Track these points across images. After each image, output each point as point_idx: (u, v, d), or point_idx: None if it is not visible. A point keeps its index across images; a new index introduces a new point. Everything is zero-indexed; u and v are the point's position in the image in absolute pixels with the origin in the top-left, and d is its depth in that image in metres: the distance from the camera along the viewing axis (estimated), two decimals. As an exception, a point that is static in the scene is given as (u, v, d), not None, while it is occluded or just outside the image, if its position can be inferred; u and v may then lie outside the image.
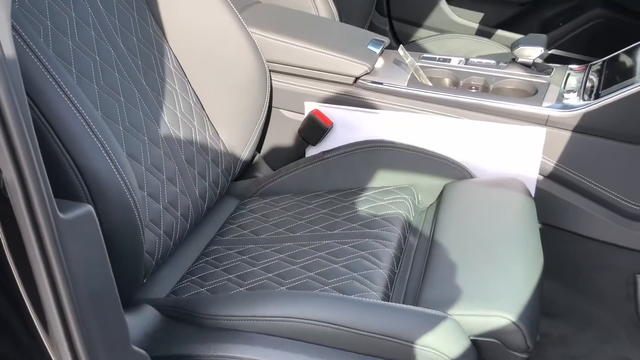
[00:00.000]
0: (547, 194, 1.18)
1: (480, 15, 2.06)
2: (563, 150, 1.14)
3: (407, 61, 1.24)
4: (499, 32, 2.03)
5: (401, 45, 1.25)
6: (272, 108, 1.30)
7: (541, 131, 1.13)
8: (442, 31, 2.07)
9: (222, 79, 1.15)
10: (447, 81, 1.29)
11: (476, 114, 1.17)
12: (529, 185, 1.15)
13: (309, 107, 1.27)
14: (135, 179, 0.82)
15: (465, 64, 1.31)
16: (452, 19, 2.07)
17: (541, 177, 1.18)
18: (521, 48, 1.24)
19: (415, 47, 1.91)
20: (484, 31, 2.04)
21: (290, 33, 1.26)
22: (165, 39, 1.10)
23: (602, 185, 1.13)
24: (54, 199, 0.58)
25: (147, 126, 0.98)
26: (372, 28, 2.02)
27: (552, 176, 1.17)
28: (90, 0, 0.95)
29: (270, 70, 1.25)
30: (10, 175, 0.55)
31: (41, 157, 0.57)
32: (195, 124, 1.10)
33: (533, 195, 1.15)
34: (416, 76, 1.24)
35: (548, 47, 1.98)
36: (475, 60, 1.32)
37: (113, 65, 0.95)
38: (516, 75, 1.25)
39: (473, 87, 1.24)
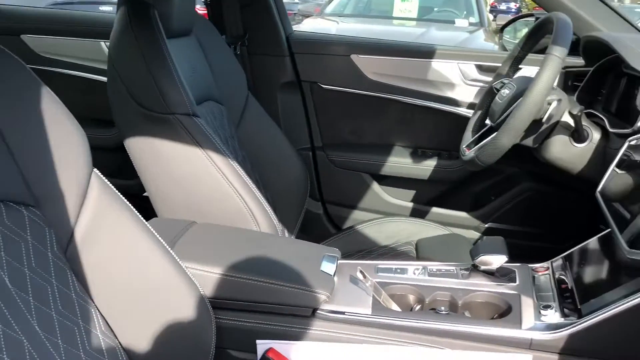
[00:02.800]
0: (542, 423, 1.05)
1: (412, 193, 2.05)
2: (553, 374, 1.03)
3: (367, 284, 1.12)
4: (434, 209, 2.02)
5: (359, 267, 1.14)
6: (218, 349, 1.12)
7: (527, 358, 1.02)
8: (377, 212, 2.03)
9: (159, 338, 0.97)
10: (411, 298, 1.18)
11: (453, 342, 1.05)
12: (520, 413, 1.02)
13: (262, 346, 1.10)
14: None
15: (423, 272, 1.22)
16: (385, 200, 2.05)
17: (532, 403, 1.05)
18: (482, 257, 1.17)
19: (354, 234, 1.83)
20: (419, 209, 2.03)
21: (233, 263, 1.12)
22: (91, 299, 0.93)
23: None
24: None
25: None
26: (307, 214, 1.95)
27: (544, 402, 1.05)
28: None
29: (214, 308, 1.09)
30: None
31: None
32: (131, 400, 0.90)
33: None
34: (378, 299, 1.12)
35: (484, 222, 1.99)
36: (434, 268, 1.23)
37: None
38: (482, 287, 1.16)
39: (441, 306, 1.14)
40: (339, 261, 1.21)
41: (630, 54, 1.31)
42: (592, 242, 1.25)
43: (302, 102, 2.00)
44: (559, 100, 1.33)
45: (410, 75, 1.90)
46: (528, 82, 1.31)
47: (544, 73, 1.24)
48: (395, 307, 1.14)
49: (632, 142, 1.21)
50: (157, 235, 1.01)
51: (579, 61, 1.73)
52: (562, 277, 1.18)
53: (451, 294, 1.15)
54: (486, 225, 1.99)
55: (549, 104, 1.32)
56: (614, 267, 1.14)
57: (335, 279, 1.16)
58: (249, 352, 1.12)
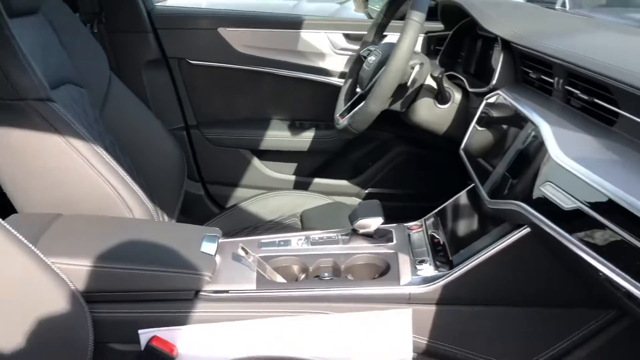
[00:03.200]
0: (426, 371, 1.11)
1: (293, 166, 2.06)
2: (431, 325, 1.08)
3: (250, 260, 1.11)
4: (316, 180, 2.04)
5: (241, 244, 1.12)
6: (98, 344, 1.06)
7: (407, 312, 1.06)
8: (260, 187, 2.02)
9: (25, 340, 0.90)
10: (295, 269, 1.19)
11: (338, 305, 1.08)
12: (405, 365, 1.07)
13: (146, 335, 1.06)
14: None
15: (306, 242, 1.24)
16: (267, 175, 2.04)
17: (416, 355, 1.11)
18: (360, 221, 1.20)
19: (238, 211, 1.81)
20: (302, 181, 2.04)
21: (105, 253, 1.06)
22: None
23: (477, 352, 1.09)
24: None
25: None
26: (187, 196, 1.89)
27: (427, 353, 1.10)
28: None
29: (88, 302, 1.03)
30: None
31: None
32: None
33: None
34: (263, 273, 1.12)
35: (364, 187, 2.04)
36: (317, 237, 1.25)
37: None
38: (362, 249, 1.19)
39: (325, 272, 1.15)
40: (220, 240, 1.19)
41: (483, 17, 1.38)
42: (460, 197, 1.32)
43: (170, 80, 1.92)
44: (421, 64, 1.38)
45: (281, 46, 1.89)
46: (392, 48, 1.34)
47: (404, 38, 1.27)
48: (280, 279, 1.14)
49: (489, 100, 1.29)
50: (16, 233, 0.93)
51: (439, 26, 1.81)
52: (434, 232, 1.24)
53: (334, 259, 1.17)
54: (366, 191, 2.05)
55: (412, 68, 1.36)
56: (479, 218, 1.22)
57: (217, 258, 1.14)
58: (133, 343, 1.07)
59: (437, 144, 1.81)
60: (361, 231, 1.23)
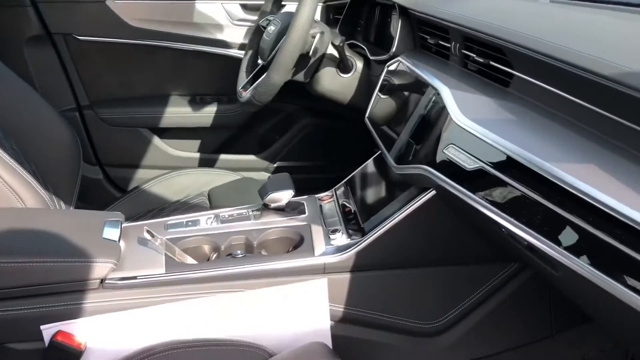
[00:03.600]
0: (344, 338, 1.12)
1: (197, 143, 2.00)
2: (347, 292, 1.10)
3: (157, 243, 1.06)
4: (223, 156, 1.99)
5: (145, 227, 1.07)
6: (-5, 347, 0.98)
7: (322, 282, 1.07)
8: (163, 167, 1.94)
9: None
10: (206, 249, 1.15)
11: (253, 282, 1.06)
12: (323, 334, 1.08)
13: (49, 330, 0.99)
14: None
15: (215, 220, 1.20)
16: (170, 153, 1.97)
17: (333, 323, 1.11)
18: (271, 195, 1.18)
19: (141, 194, 1.73)
20: (207, 159, 1.99)
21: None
22: None
23: (392, 315, 1.12)
24: None
25: None
26: (84, 181, 1.78)
27: (344, 320, 1.11)
28: None
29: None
30: None
31: None
32: None
33: (330, 342, 1.09)
34: (171, 256, 1.07)
35: (272, 161, 2.02)
36: (227, 214, 1.22)
37: None
38: (274, 224, 1.18)
39: (237, 250, 1.13)
40: (123, 225, 1.13)
41: (379, -16, 1.39)
42: (368, 165, 1.34)
43: (57, 58, 1.78)
44: (322, 33, 1.37)
45: (176, 19, 1.80)
46: (292, 17, 1.31)
47: (303, 6, 1.25)
48: (191, 260, 1.10)
49: (390, 68, 1.30)
50: None
51: (337, -5, 1.80)
52: (345, 202, 1.25)
53: (246, 236, 1.15)
54: (275, 165, 2.03)
55: (313, 37, 1.35)
56: (388, 185, 1.24)
57: (122, 244, 1.08)
58: (35, 341, 0.99)
59: (342, 113, 1.82)
60: (272, 205, 1.21)
